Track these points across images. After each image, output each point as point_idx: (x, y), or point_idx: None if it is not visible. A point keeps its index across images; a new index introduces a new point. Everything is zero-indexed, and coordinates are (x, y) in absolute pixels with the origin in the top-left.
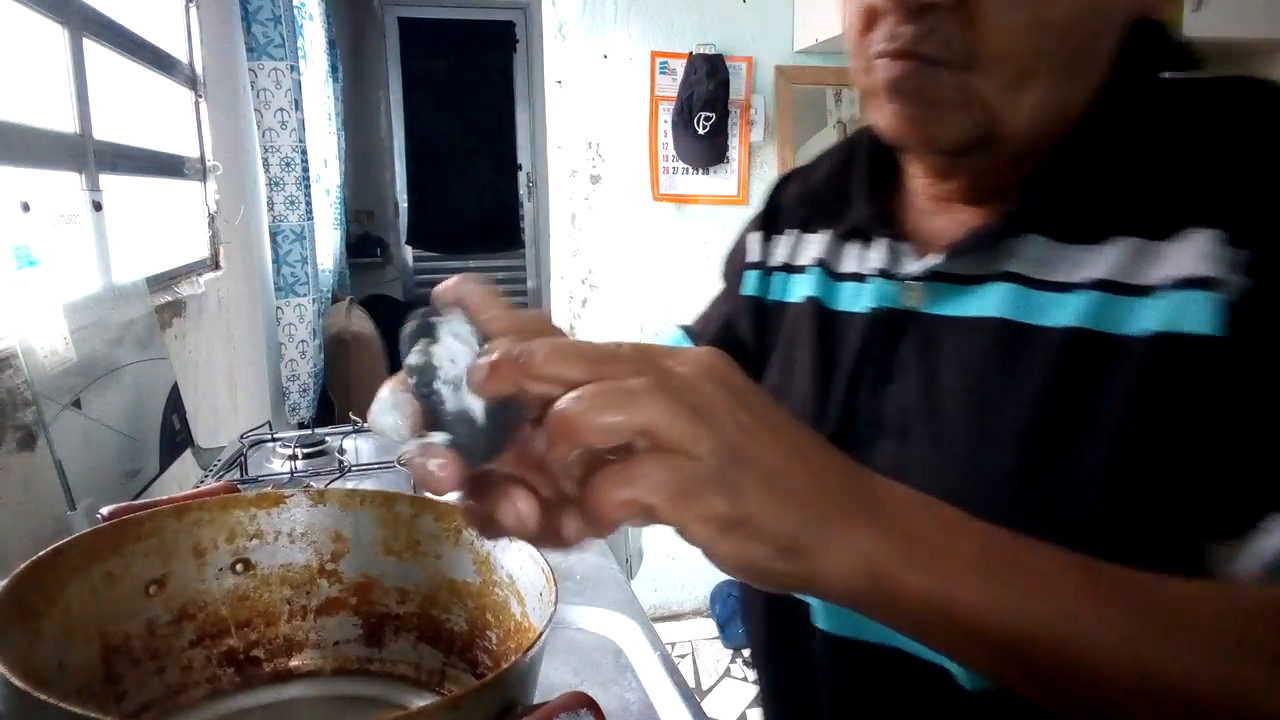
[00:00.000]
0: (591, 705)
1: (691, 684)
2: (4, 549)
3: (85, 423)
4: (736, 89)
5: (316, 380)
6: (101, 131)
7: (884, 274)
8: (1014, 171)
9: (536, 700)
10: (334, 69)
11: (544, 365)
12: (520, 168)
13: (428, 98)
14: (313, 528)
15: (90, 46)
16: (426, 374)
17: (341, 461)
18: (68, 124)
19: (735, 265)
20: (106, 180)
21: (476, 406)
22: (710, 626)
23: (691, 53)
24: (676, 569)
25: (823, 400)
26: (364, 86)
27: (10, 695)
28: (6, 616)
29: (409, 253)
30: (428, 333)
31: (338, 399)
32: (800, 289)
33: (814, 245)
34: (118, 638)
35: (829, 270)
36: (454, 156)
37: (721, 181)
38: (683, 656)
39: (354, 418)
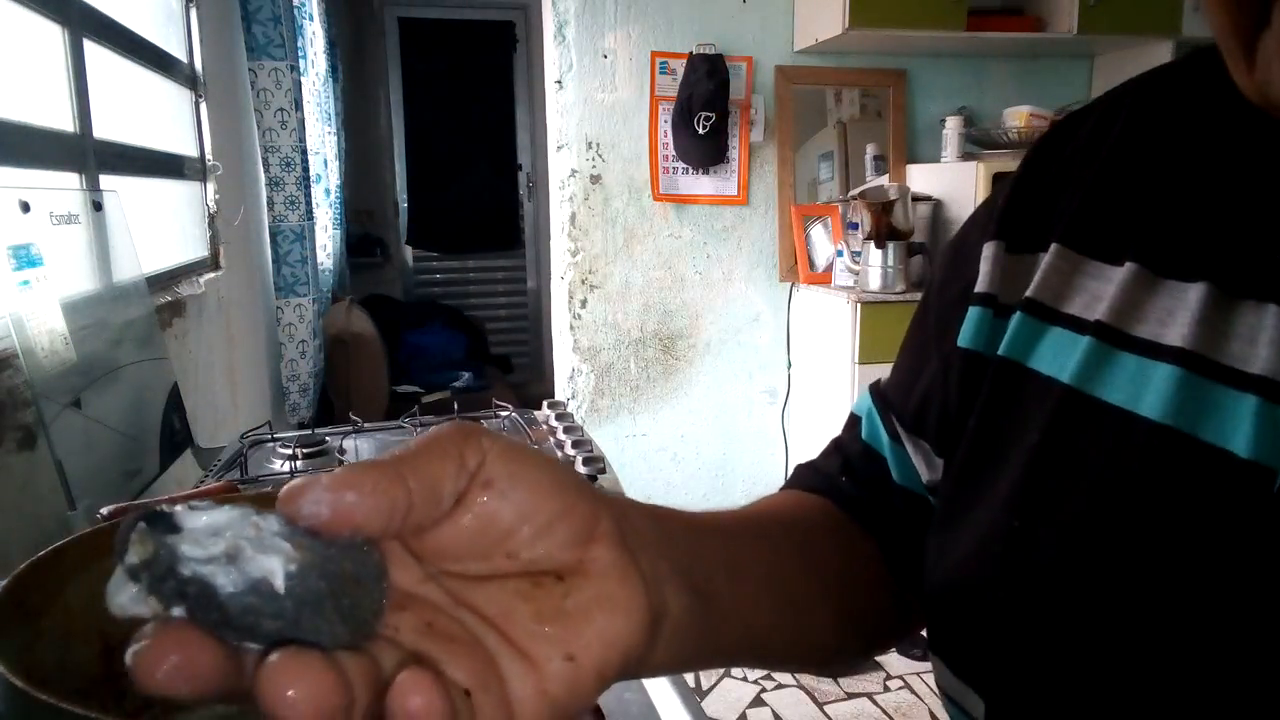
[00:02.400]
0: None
1: (691, 684)
2: (4, 549)
3: (85, 423)
4: (736, 89)
5: (316, 380)
6: (101, 131)
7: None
8: None
9: None
10: (334, 69)
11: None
12: (520, 168)
13: (428, 98)
14: None
15: (90, 46)
16: (165, 563)
17: (341, 461)
18: (68, 124)
19: (954, 289)
20: (107, 180)
21: (276, 567)
22: None
23: (691, 53)
24: None
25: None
26: (364, 86)
27: (10, 695)
28: (6, 616)
29: (409, 253)
30: (159, 523)
31: (338, 399)
32: (1055, 356)
33: (1097, 282)
34: (118, 638)
35: (1110, 335)
36: (454, 156)
37: (721, 181)
38: None
39: (354, 418)
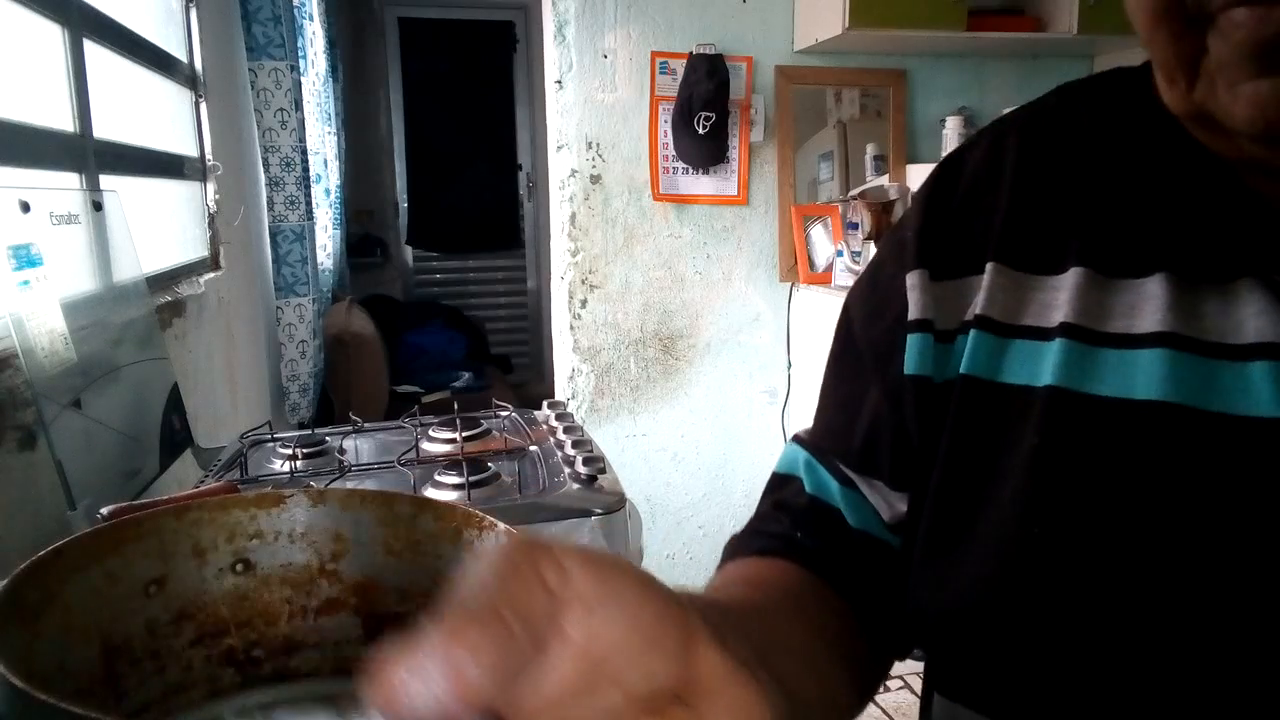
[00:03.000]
0: None
1: None
2: (4, 549)
3: (85, 423)
4: (736, 89)
5: (316, 380)
6: (101, 131)
7: None
8: None
9: None
10: (334, 69)
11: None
12: (520, 168)
13: (428, 98)
14: (313, 528)
15: (90, 46)
16: None
17: (341, 461)
18: (68, 124)
19: (882, 323)
20: (107, 180)
21: None
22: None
23: (691, 53)
24: (676, 569)
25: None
26: (364, 86)
27: (10, 695)
28: (6, 616)
29: (409, 253)
30: None
31: (338, 399)
32: (1024, 365)
33: (1042, 293)
34: (118, 638)
35: (1083, 334)
36: (454, 156)
37: (721, 181)
38: None
39: (354, 417)
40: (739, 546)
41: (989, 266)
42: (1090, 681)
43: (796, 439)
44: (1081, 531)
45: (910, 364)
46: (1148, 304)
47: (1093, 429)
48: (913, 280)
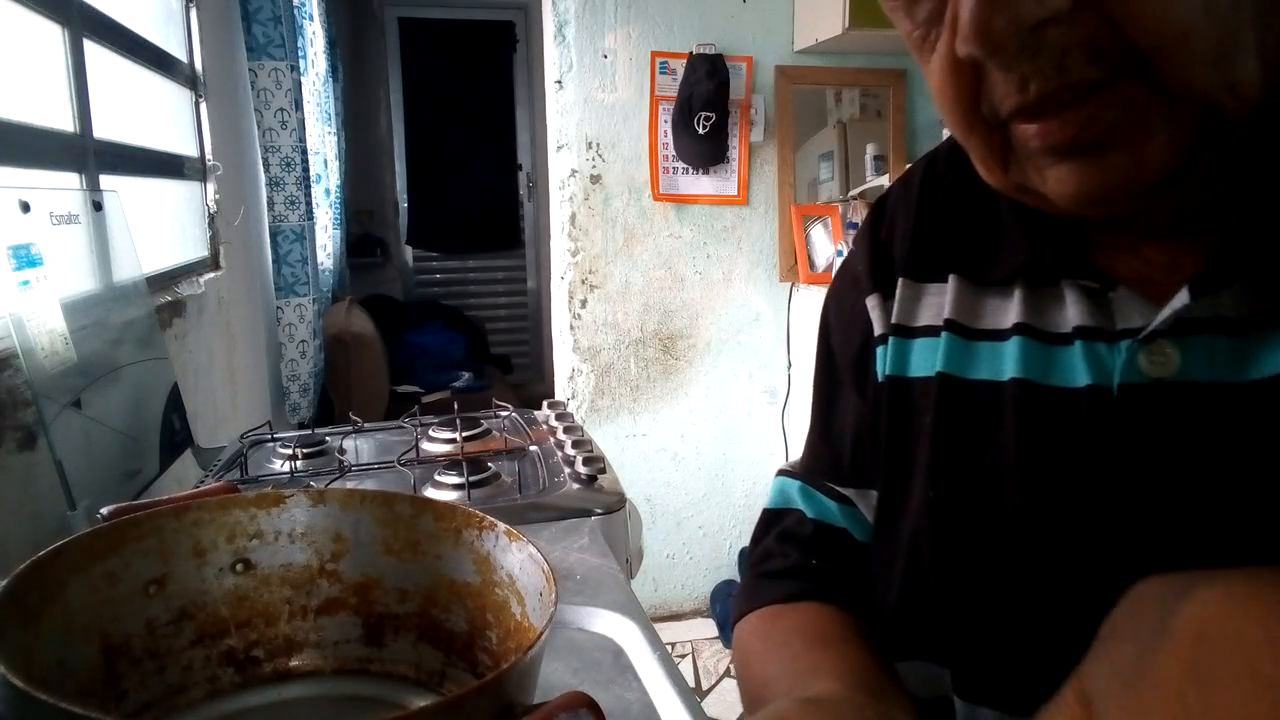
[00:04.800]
0: (591, 705)
1: (691, 684)
2: (4, 549)
3: (85, 423)
4: (736, 89)
5: (316, 380)
6: (102, 131)
7: (1093, 332)
8: (1237, 177)
9: (536, 700)
10: (334, 69)
11: None
12: (520, 168)
13: (428, 98)
14: (313, 528)
15: (90, 46)
16: None
17: (341, 461)
18: (68, 124)
19: (853, 342)
20: (107, 180)
21: None
22: (710, 626)
23: (691, 53)
24: (676, 569)
25: (1056, 522)
26: (364, 86)
27: (10, 695)
28: (6, 616)
29: (409, 253)
30: None
31: (338, 399)
32: (924, 359)
33: (935, 298)
34: (118, 638)
35: (961, 330)
36: (454, 156)
37: (721, 181)
38: (683, 656)
39: (354, 418)
40: (753, 597)
41: (900, 281)
42: (999, 610)
43: (783, 473)
44: (967, 489)
45: (880, 371)
46: (1010, 306)
47: (971, 406)
48: (872, 303)
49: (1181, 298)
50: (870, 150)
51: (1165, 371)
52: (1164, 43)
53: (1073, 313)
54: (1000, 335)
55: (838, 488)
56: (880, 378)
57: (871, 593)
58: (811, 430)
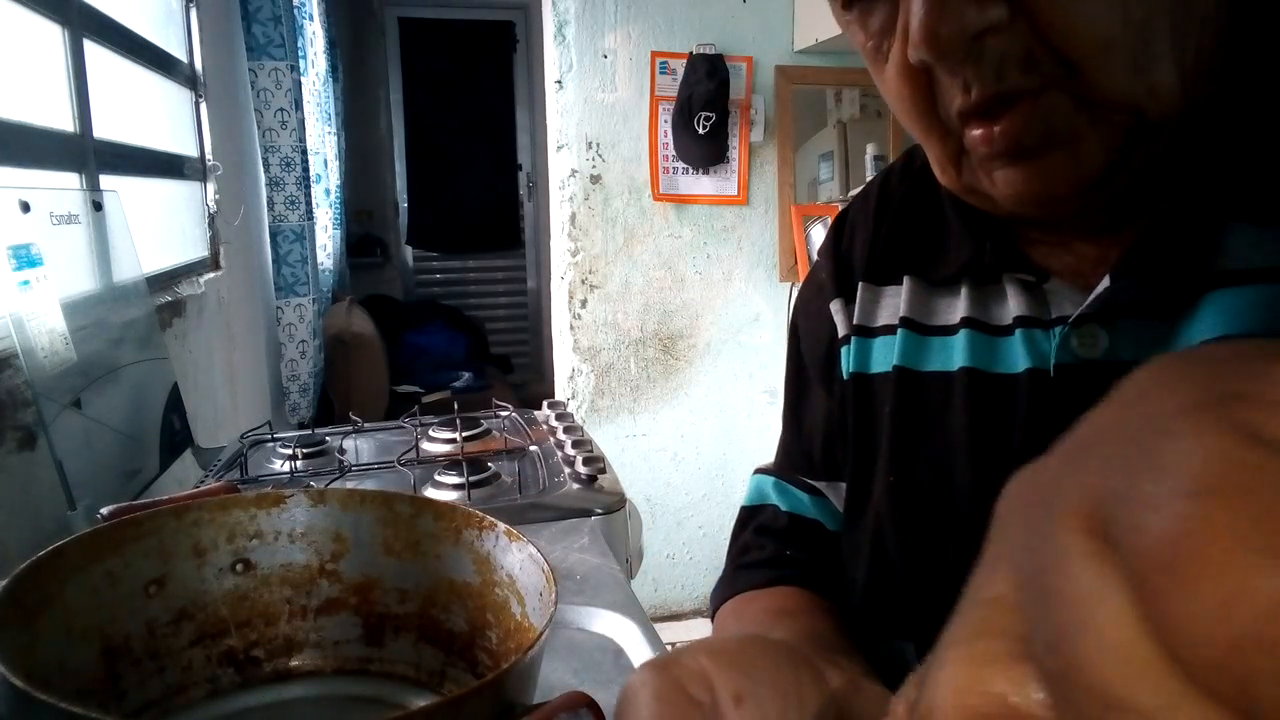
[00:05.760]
0: (591, 705)
1: None
2: (4, 549)
3: (85, 423)
4: (736, 89)
5: (316, 380)
6: (101, 131)
7: (1031, 320)
8: (1166, 173)
9: (536, 700)
10: (334, 69)
11: None
12: (520, 168)
13: (428, 98)
14: (313, 528)
15: (90, 46)
16: None
17: (341, 461)
18: (68, 124)
19: (819, 346)
20: (107, 180)
21: None
22: (710, 627)
23: (691, 53)
24: (676, 569)
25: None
26: (364, 86)
27: (10, 695)
28: (6, 616)
29: (409, 253)
30: None
31: (338, 399)
32: (883, 355)
33: (892, 299)
34: (118, 638)
35: (915, 327)
36: (454, 156)
37: (721, 181)
38: None
39: (354, 417)
40: (730, 587)
41: (860, 285)
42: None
43: (759, 470)
44: (923, 471)
45: (845, 369)
46: (958, 304)
47: (925, 395)
48: (836, 307)
49: (1104, 284)
50: (870, 150)
51: (1095, 352)
52: (1088, 53)
53: (1013, 305)
54: (950, 330)
55: (810, 481)
56: (845, 375)
57: (843, 578)
58: (784, 429)
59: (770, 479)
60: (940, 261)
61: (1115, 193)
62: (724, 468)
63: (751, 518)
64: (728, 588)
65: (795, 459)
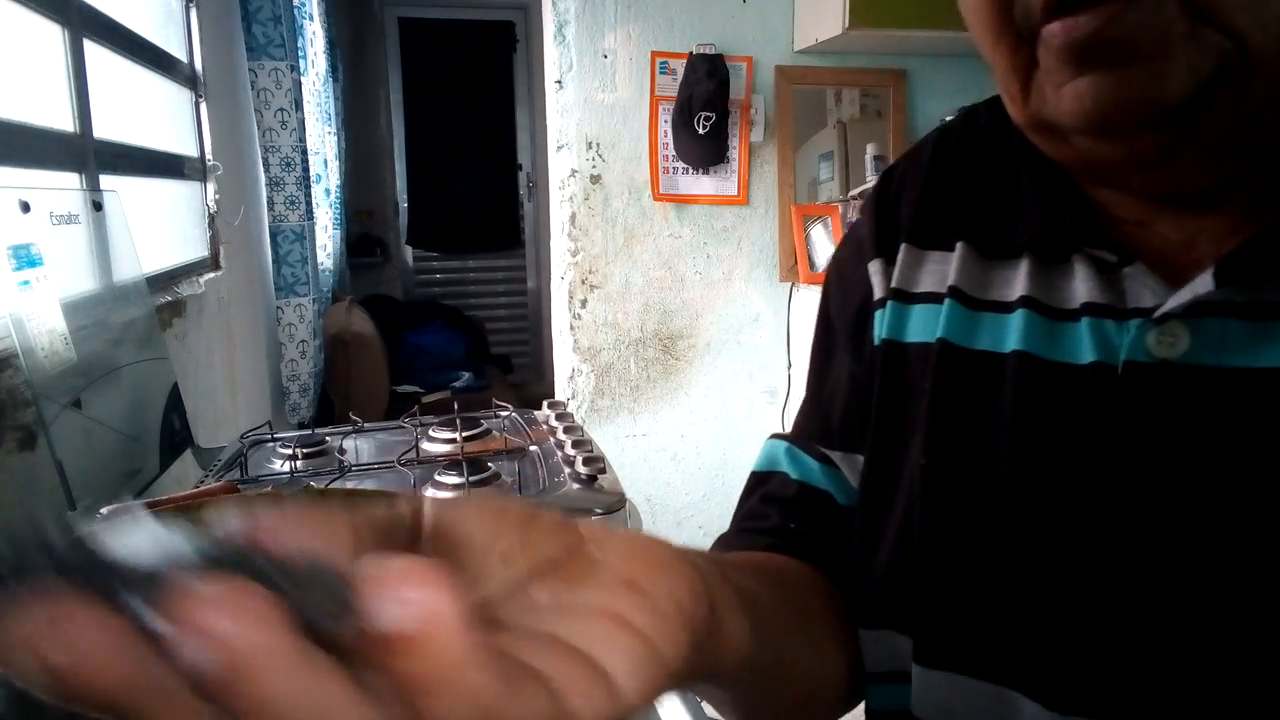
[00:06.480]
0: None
1: None
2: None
3: (85, 423)
4: (736, 89)
5: (316, 380)
6: (102, 131)
7: (1102, 309)
8: (1255, 137)
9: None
10: (334, 69)
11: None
12: (520, 168)
13: (428, 98)
14: None
15: (90, 46)
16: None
17: (341, 462)
18: (68, 124)
19: (851, 308)
20: (107, 180)
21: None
22: None
23: (691, 53)
24: None
25: (1050, 501)
26: (364, 86)
27: (10, 695)
28: None
29: (409, 253)
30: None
31: (337, 399)
32: (923, 325)
33: (939, 265)
34: None
35: (965, 299)
36: (454, 156)
37: (721, 181)
38: None
39: (354, 418)
40: (725, 546)
41: (902, 247)
42: (979, 589)
43: (774, 436)
44: (960, 458)
45: (877, 335)
46: (1017, 280)
47: (970, 376)
48: (874, 268)
49: (1205, 283)
50: (870, 150)
51: (1172, 353)
52: None
53: (1082, 289)
54: (1005, 307)
55: (824, 449)
56: (877, 341)
57: (848, 559)
58: (806, 393)
59: (783, 444)
60: (1003, 230)
61: (1198, 145)
62: (724, 468)
63: (759, 484)
64: (723, 546)
65: (812, 425)
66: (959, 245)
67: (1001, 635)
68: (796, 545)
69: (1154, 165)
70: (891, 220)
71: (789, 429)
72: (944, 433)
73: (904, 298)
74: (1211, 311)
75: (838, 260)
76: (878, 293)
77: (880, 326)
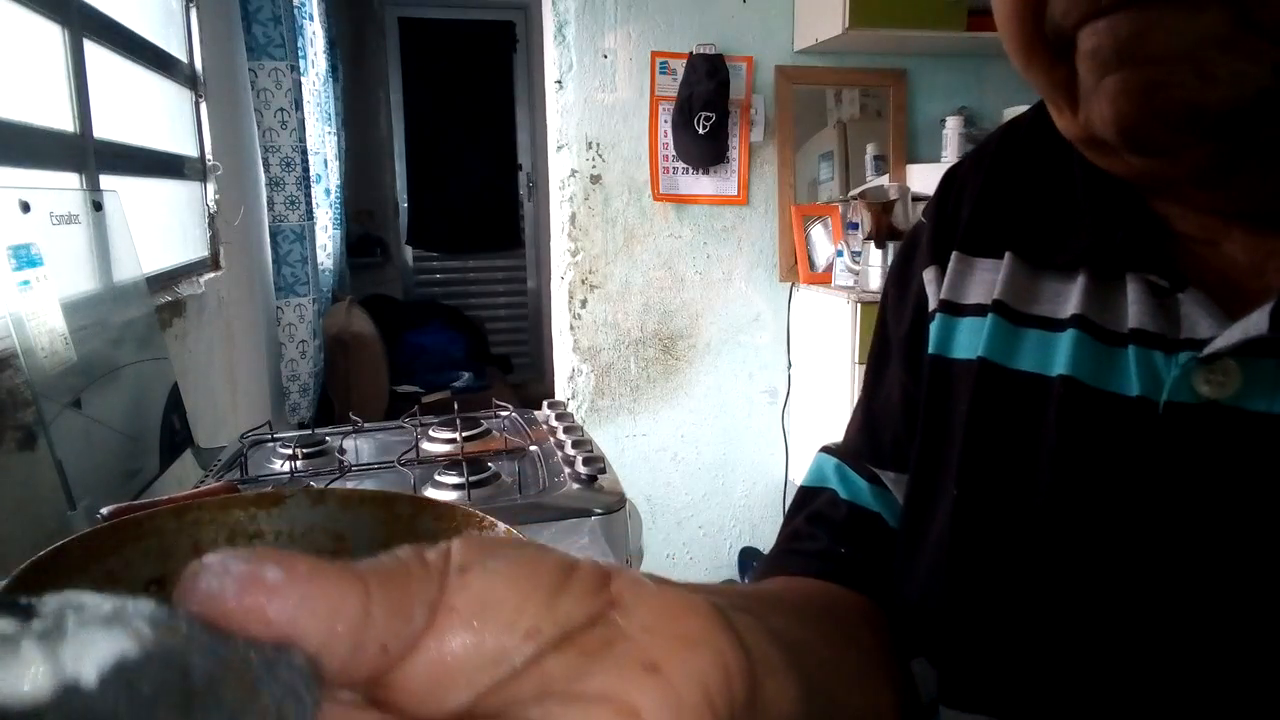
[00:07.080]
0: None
1: None
2: (4, 549)
3: (85, 423)
4: (736, 89)
5: (316, 380)
6: (102, 131)
7: (1151, 338)
8: None
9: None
10: (334, 69)
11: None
12: (520, 168)
13: (428, 98)
14: (313, 528)
15: (90, 46)
16: None
17: (341, 461)
18: (68, 124)
19: (906, 319)
20: (107, 180)
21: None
22: None
23: (691, 53)
24: (676, 569)
25: (1087, 531)
26: (364, 86)
27: None
28: None
29: (409, 253)
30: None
31: (337, 399)
32: (969, 341)
33: (987, 275)
34: None
35: (1009, 314)
36: (454, 156)
37: (721, 181)
38: None
39: (354, 418)
40: (773, 568)
41: (953, 255)
42: (1010, 625)
43: (824, 449)
44: (995, 489)
45: (930, 347)
46: (1070, 295)
47: (1010, 400)
48: (929, 275)
49: (1258, 323)
50: (870, 150)
51: (1221, 394)
52: None
53: (1132, 312)
54: (1055, 325)
55: (873, 469)
56: (929, 352)
57: (893, 581)
58: (857, 407)
59: (833, 461)
60: (1056, 241)
61: (1262, 159)
62: (724, 468)
63: (807, 501)
64: (772, 565)
65: (862, 442)
66: (1007, 255)
67: (1029, 678)
68: (846, 571)
69: (1213, 180)
70: (951, 223)
71: (836, 441)
72: (978, 463)
73: (953, 310)
74: (1268, 351)
75: (895, 266)
76: (932, 302)
77: (931, 340)
